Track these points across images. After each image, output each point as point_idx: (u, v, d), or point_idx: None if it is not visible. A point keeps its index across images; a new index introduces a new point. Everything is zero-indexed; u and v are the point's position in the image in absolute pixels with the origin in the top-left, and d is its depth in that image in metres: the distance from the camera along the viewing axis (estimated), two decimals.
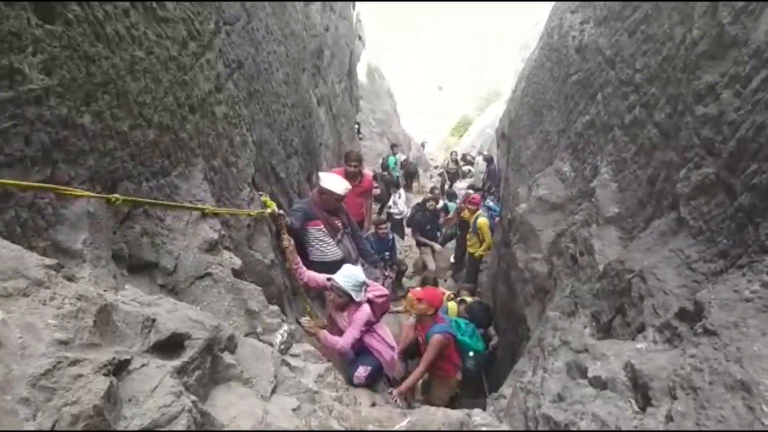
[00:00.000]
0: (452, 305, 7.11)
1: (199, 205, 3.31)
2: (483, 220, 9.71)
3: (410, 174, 20.62)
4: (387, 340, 5.18)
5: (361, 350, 5.03)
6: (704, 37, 3.23)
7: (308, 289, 5.32)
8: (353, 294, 4.75)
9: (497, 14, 51.32)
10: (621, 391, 2.46)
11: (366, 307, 4.87)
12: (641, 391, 2.33)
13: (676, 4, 3.73)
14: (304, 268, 5.06)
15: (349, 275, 4.82)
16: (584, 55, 5.69)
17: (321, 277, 5.02)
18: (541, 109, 7.16)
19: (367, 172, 7.82)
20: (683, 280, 2.91)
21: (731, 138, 2.77)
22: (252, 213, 4.25)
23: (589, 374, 2.76)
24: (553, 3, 8.28)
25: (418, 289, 6.63)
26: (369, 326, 4.99)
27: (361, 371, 4.87)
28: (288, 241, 4.92)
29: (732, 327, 2.15)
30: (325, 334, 4.69)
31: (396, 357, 5.32)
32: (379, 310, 5.17)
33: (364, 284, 4.88)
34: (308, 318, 4.85)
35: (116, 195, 2.44)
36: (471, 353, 5.55)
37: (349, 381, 4.73)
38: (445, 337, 5.22)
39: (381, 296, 5.14)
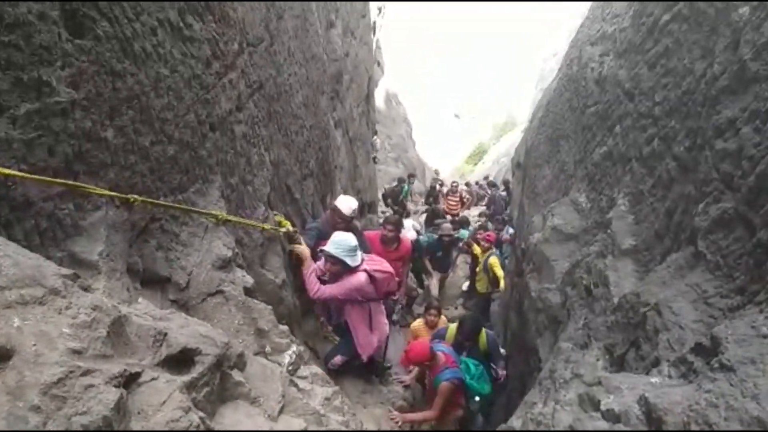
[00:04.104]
0: (453, 328, 6.84)
1: (214, 228, 3.32)
2: (494, 259, 9.67)
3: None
4: (374, 324, 5.08)
5: (344, 331, 5.05)
6: (725, 72, 3.23)
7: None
8: (346, 259, 4.64)
9: (515, 44, 51.70)
10: (634, 424, 2.42)
11: (361, 275, 4.75)
12: (655, 426, 2.29)
13: (697, 39, 3.74)
14: (322, 287, 4.80)
15: (339, 241, 4.69)
16: (603, 86, 5.70)
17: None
18: (558, 139, 7.16)
19: (405, 237, 7.68)
20: (699, 314, 2.87)
21: (751, 173, 2.75)
22: (265, 227, 4.26)
23: (602, 407, 2.72)
24: (573, 35, 8.34)
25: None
26: (364, 298, 4.88)
27: (338, 360, 5.02)
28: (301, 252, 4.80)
29: (749, 363, 2.12)
30: (311, 265, 4.53)
31: (375, 343, 5.16)
32: (382, 287, 5.06)
33: (356, 248, 4.73)
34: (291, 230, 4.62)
35: (134, 195, 2.47)
36: (477, 398, 5.46)
37: (325, 362, 4.82)
38: (453, 384, 5.13)
39: (382, 272, 5.00)
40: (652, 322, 3.17)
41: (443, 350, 5.44)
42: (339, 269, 4.72)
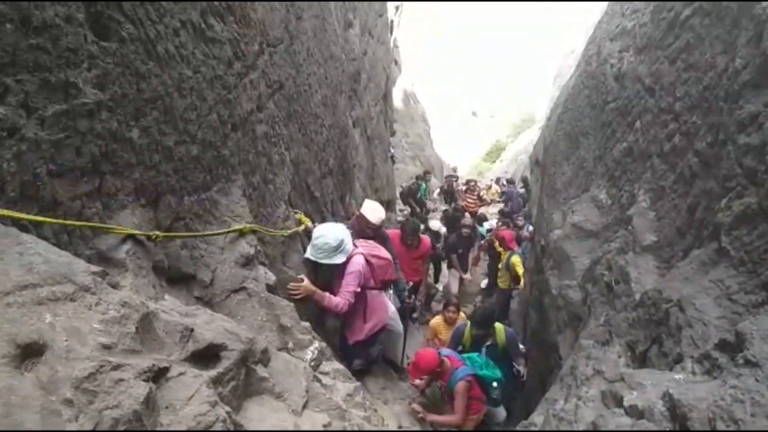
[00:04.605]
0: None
1: (236, 224, 3.35)
2: (515, 258, 9.66)
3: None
4: (368, 315, 4.83)
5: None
6: (747, 66, 3.19)
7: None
8: (334, 260, 4.39)
9: (532, 42, 51.44)
10: (658, 420, 2.40)
11: (358, 259, 4.58)
12: (679, 422, 2.27)
13: (719, 33, 3.70)
14: (340, 299, 4.43)
15: (319, 245, 4.35)
16: (623, 82, 5.65)
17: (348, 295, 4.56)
18: (578, 136, 7.11)
19: (425, 237, 7.96)
20: (723, 311, 2.85)
21: None
22: (285, 233, 4.27)
23: (625, 403, 2.71)
24: (591, 31, 8.27)
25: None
26: (364, 286, 4.65)
27: (357, 363, 4.91)
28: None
29: None
30: (323, 294, 4.31)
31: (365, 331, 4.86)
32: (379, 275, 4.92)
33: (341, 242, 4.42)
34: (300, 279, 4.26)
35: (156, 232, 2.53)
36: (495, 384, 5.44)
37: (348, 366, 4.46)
38: (467, 381, 5.11)
39: (378, 257, 4.88)
40: (674, 318, 3.15)
41: (446, 354, 5.39)
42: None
